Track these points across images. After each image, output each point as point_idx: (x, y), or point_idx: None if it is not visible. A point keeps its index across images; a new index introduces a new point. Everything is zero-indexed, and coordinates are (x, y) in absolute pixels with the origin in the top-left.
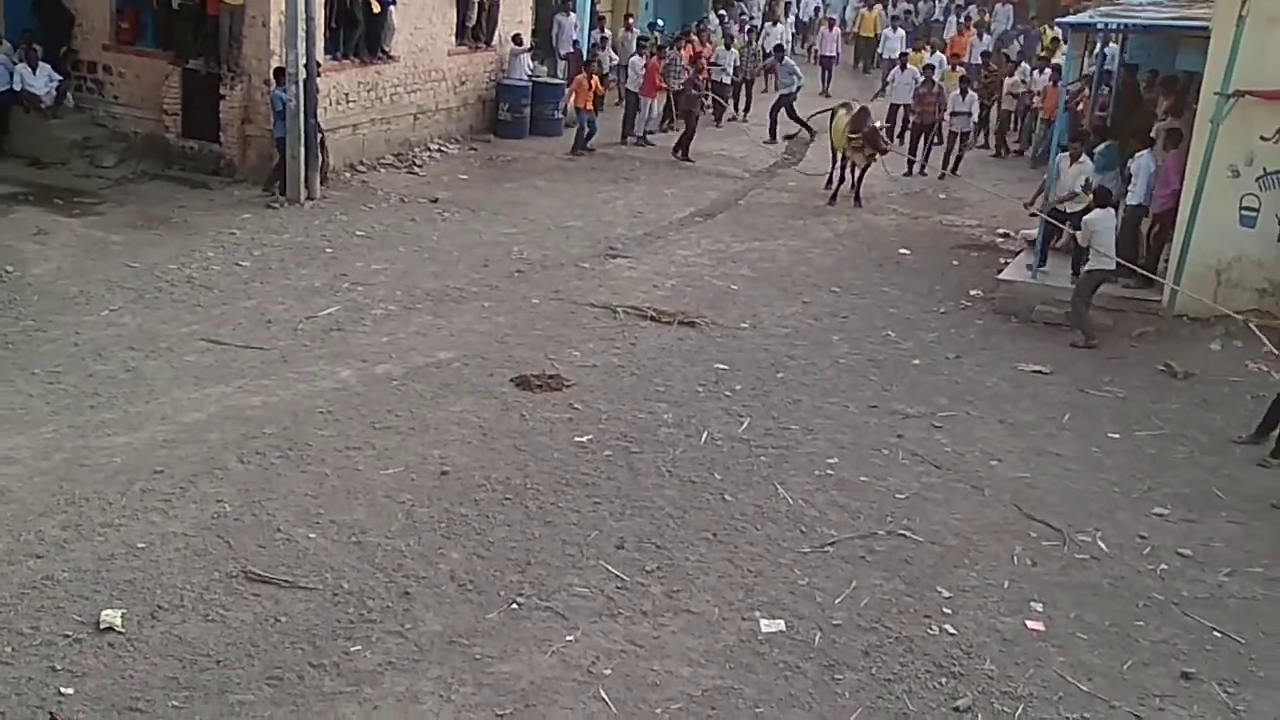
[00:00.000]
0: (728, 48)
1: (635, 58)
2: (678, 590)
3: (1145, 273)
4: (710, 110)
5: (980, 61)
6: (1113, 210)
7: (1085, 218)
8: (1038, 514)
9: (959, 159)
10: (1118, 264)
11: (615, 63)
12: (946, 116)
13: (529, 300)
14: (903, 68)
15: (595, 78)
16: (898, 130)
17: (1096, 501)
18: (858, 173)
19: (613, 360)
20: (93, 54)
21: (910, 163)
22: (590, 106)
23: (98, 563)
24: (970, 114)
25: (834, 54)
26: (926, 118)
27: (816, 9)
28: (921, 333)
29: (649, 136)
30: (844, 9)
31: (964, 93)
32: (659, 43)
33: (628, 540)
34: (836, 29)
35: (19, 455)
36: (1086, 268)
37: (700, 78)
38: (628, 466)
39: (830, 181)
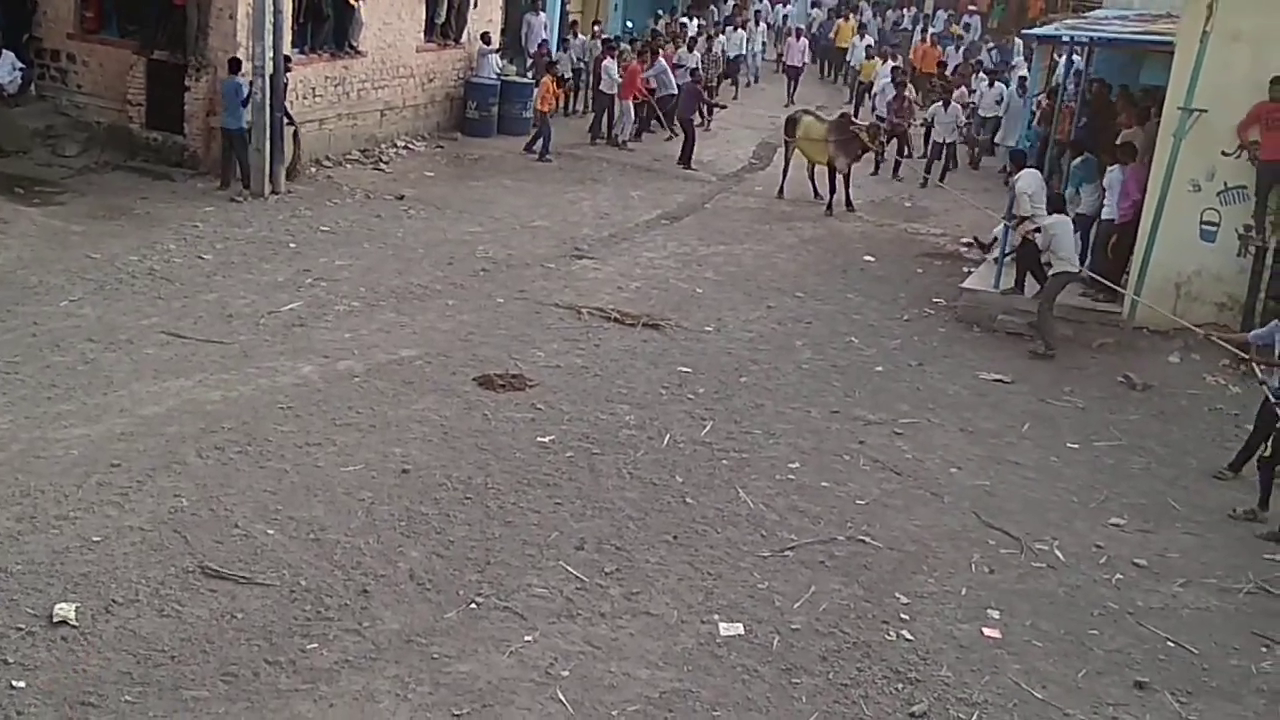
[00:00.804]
0: (690, 50)
1: (608, 61)
2: (637, 592)
3: (1110, 284)
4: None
5: (949, 73)
6: (1068, 217)
7: (1044, 223)
8: (996, 522)
9: (945, 170)
10: (1086, 274)
11: (575, 66)
12: (917, 125)
13: (493, 299)
14: (945, 106)
15: (555, 80)
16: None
17: (1055, 510)
18: (839, 176)
19: (576, 361)
20: (56, 42)
21: (878, 164)
22: (548, 109)
23: (52, 555)
24: (955, 124)
25: (800, 64)
26: (897, 126)
27: (785, 17)
28: (884, 339)
29: (626, 142)
30: (809, 20)
31: (946, 104)
32: (638, 46)
33: (588, 541)
34: (804, 39)
35: None
36: (1051, 272)
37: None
38: (589, 468)
39: (783, 190)
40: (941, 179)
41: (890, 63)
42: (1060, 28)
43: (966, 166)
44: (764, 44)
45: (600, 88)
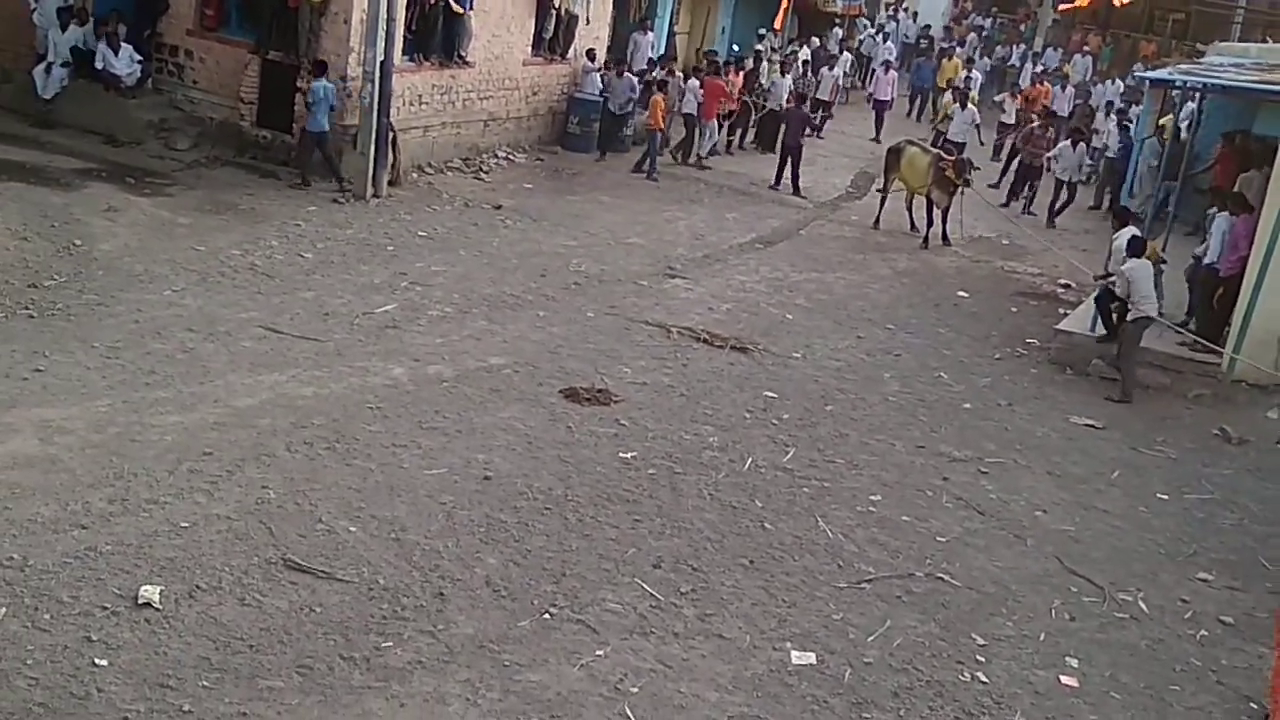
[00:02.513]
0: (782, 75)
1: (691, 80)
2: (711, 614)
3: (1205, 342)
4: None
5: (1067, 113)
6: (1148, 261)
7: (1121, 267)
8: (1080, 569)
9: (1062, 207)
10: (1179, 321)
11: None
12: (1051, 164)
13: (584, 313)
14: (963, 106)
15: (665, 98)
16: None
17: (1140, 561)
18: (939, 211)
19: (663, 379)
20: (176, 38)
21: (1010, 196)
22: (661, 126)
23: (141, 538)
24: (1080, 164)
25: (888, 99)
26: (1034, 159)
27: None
28: (974, 377)
29: (704, 159)
30: (897, 54)
31: (1075, 144)
32: (718, 62)
33: (665, 560)
34: (893, 73)
35: (73, 426)
36: (1130, 317)
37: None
38: (670, 486)
39: (879, 221)
40: (1051, 220)
41: (970, 106)
42: (1174, 72)
43: (1085, 208)
44: (848, 74)
45: (684, 109)
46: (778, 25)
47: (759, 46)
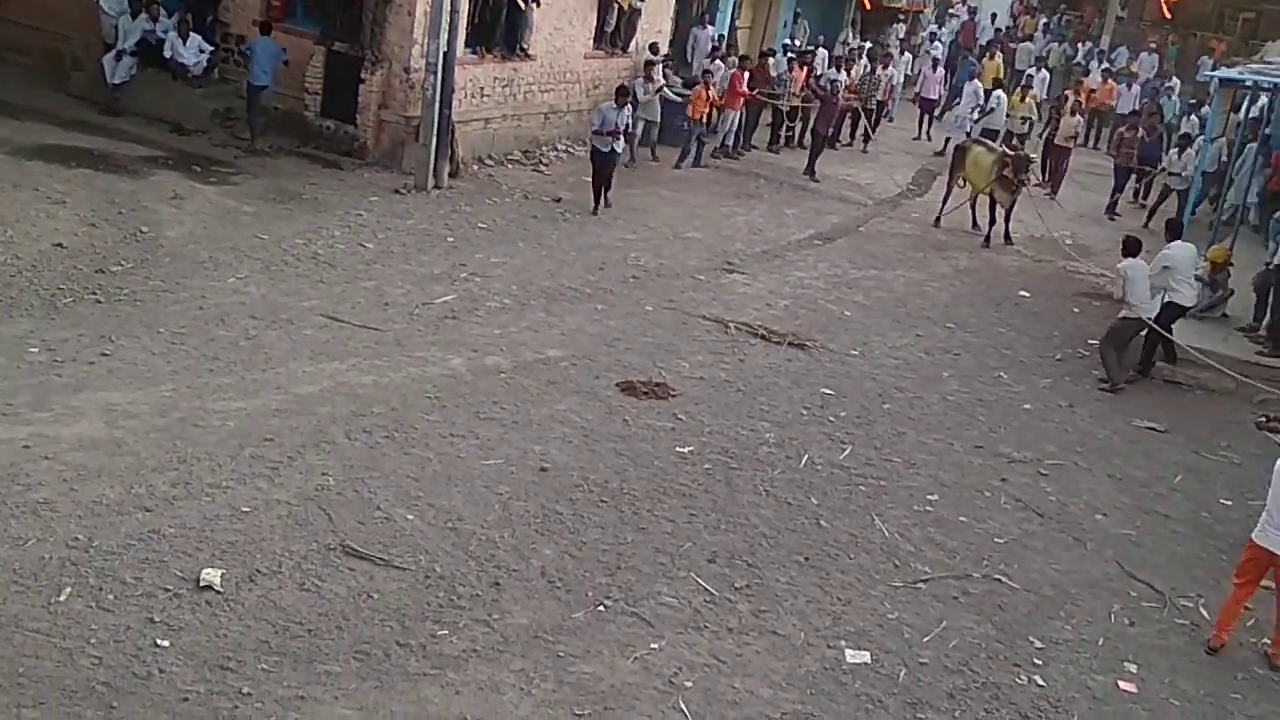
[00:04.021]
0: (839, 69)
1: (723, 70)
2: (765, 610)
3: (1228, 371)
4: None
5: (1129, 110)
6: (1143, 262)
7: (1118, 265)
8: (1140, 573)
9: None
10: (1243, 326)
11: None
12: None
13: (642, 307)
14: (1022, 99)
15: (712, 90)
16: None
17: (1202, 567)
18: (1002, 211)
19: (720, 374)
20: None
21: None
22: (704, 119)
23: (203, 522)
24: (1184, 174)
25: (936, 97)
26: (1126, 161)
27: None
28: (1035, 377)
29: (739, 149)
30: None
31: (1181, 149)
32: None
33: (720, 555)
34: (941, 70)
35: (137, 410)
36: (1120, 314)
37: (837, 100)
38: (726, 481)
39: (940, 219)
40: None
41: (1029, 100)
42: (1244, 71)
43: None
44: (905, 75)
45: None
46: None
47: (855, 44)
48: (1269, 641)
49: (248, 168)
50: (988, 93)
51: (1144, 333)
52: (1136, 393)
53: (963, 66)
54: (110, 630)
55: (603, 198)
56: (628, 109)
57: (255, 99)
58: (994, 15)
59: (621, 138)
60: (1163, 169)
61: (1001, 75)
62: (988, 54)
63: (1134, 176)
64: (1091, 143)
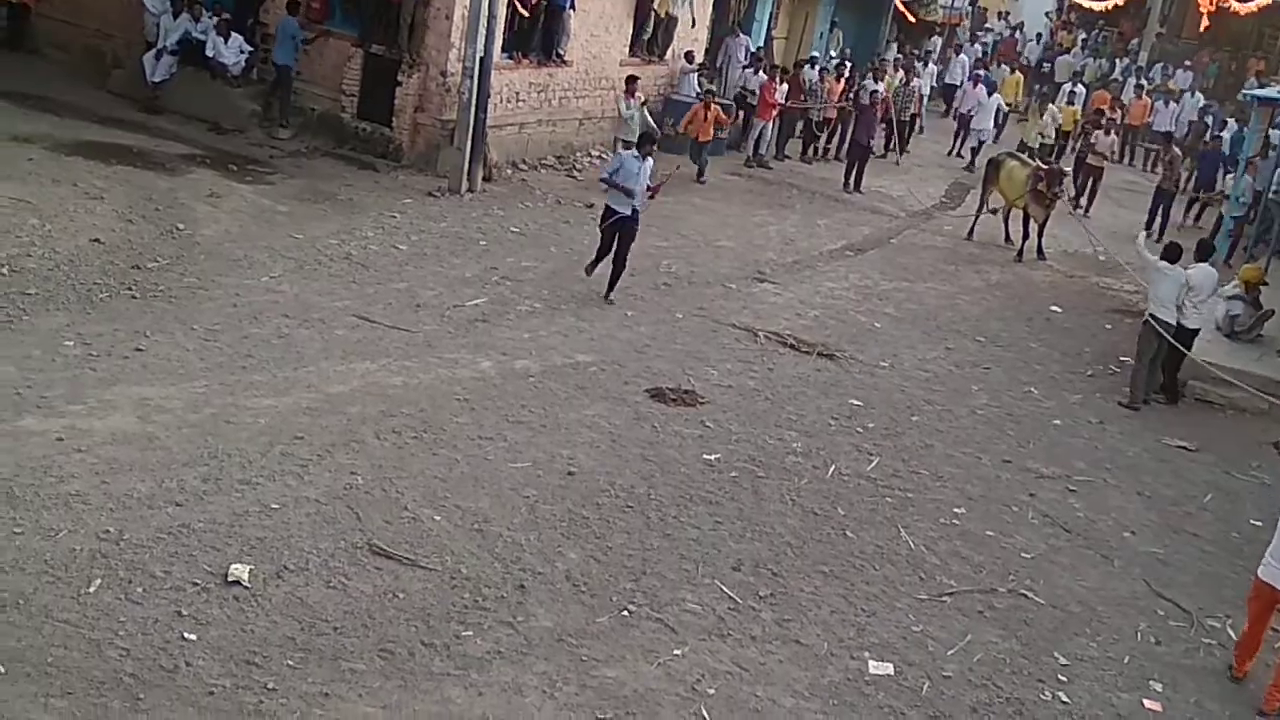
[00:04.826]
0: (876, 80)
1: (759, 75)
2: (789, 620)
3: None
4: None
5: (1167, 129)
6: (1181, 268)
7: (1155, 260)
8: (1168, 592)
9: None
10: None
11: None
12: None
13: (672, 314)
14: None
15: (715, 108)
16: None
17: (1230, 588)
18: (1036, 225)
19: (749, 383)
20: None
21: (1149, 224)
22: (706, 137)
23: (232, 517)
24: (1243, 199)
25: (972, 112)
26: (1167, 183)
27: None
28: (1065, 393)
29: (764, 159)
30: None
31: (1241, 175)
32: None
33: (745, 563)
34: (982, 86)
35: (170, 405)
36: (1148, 314)
37: (876, 110)
38: (752, 490)
39: (973, 232)
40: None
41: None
42: None
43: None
44: (931, 87)
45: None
46: (909, 16)
47: (889, 55)
48: None
49: (284, 167)
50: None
51: (1161, 359)
52: (1167, 411)
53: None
54: (138, 623)
55: (610, 277)
56: (650, 162)
57: (282, 78)
58: (1039, 35)
59: (639, 196)
60: (1221, 194)
61: (1020, 91)
62: (1009, 68)
63: (1185, 201)
64: (1127, 159)
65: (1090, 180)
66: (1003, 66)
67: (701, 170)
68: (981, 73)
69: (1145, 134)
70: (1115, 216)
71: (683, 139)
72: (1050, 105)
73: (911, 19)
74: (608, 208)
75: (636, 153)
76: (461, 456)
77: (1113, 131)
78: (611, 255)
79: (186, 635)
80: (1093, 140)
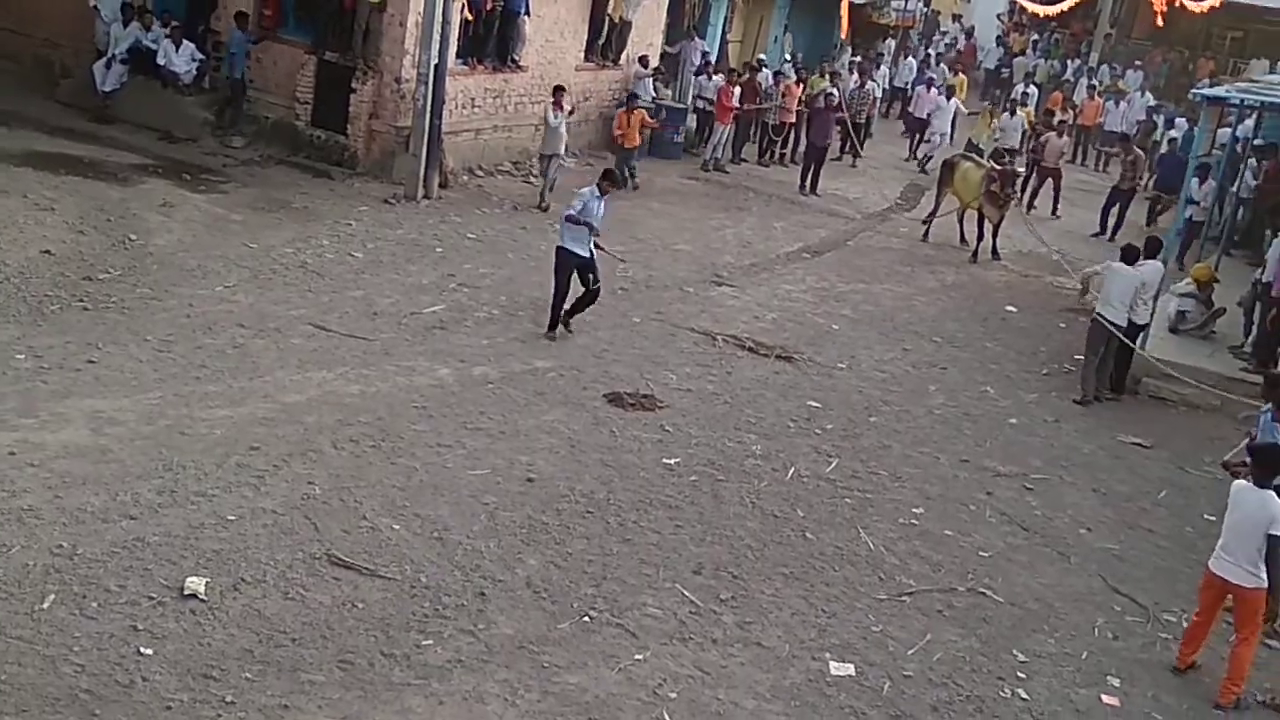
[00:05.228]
0: (830, 83)
1: (716, 78)
2: (750, 622)
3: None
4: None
5: (1119, 128)
6: (1130, 268)
7: (1105, 264)
8: (1124, 588)
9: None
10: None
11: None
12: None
13: (630, 319)
14: (1012, 114)
15: (639, 113)
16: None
17: (1185, 582)
18: (990, 226)
19: (707, 387)
20: None
21: (1102, 224)
22: (633, 144)
23: (188, 530)
24: (1204, 204)
25: (926, 116)
26: (1126, 184)
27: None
28: (1021, 392)
29: (722, 164)
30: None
31: (1201, 179)
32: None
33: (705, 566)
34: (934, 90)
35: (124, 418)
36: (1097, 312)
37: (830, 113)
38: (712, 493)
39: (928, 234)
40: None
41: (1020, 113)
42: (1232, 90)
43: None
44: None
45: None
46: (844, 35)
47: (844, 58)
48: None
49: (237, 176)
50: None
51: (1111, 355)
52: (1121, 408)
53: (917, 79)
54: (93, 638)
55: (564, 319)
56: (606, 201)
57: (234, 90)
58: (998, 39)
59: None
60: (1188, 199)
61: (965, 92)
62: (954, 69)
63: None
64: (1079, 159)
65: (1052, 182)
66: (942, 66)
67: (630, 177)
68: (934, 76)
69: (1097, 134)
70: (1069, 215)
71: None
72: (1004, 114)
73: (845, 26)
74: (564, 250)
75: (597, 190)
76: (420, 464)
77: (1064, 134)
78: (584, 290)
79: (143, 650)
80: (1043, 141)
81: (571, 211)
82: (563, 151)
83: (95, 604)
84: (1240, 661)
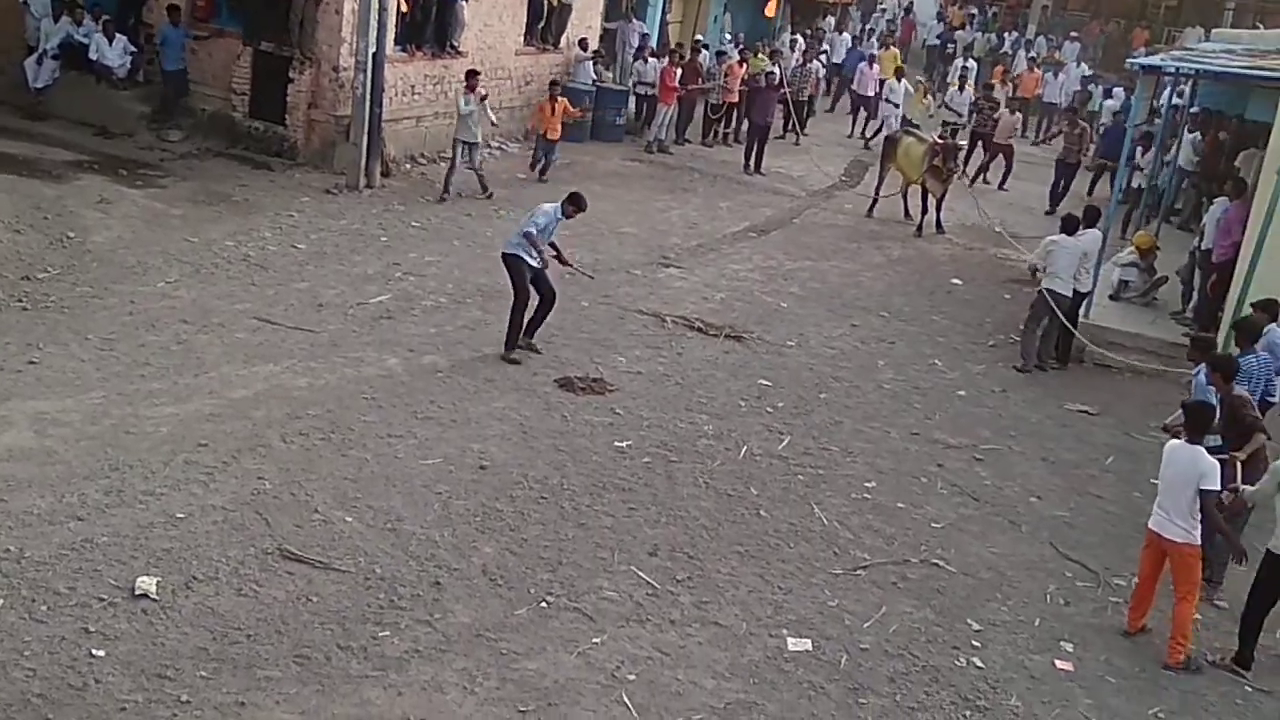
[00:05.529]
0: (771, 61)
1: (653, 61)
2: (707, 602)
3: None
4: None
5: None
6: (1071, 239)
7: (1046, 238)
8: (1074, 554)
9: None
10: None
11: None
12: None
13: (578, 303)
14: (961, 89)
15: (562, 103)
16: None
17: (1134, 546)
18: (934, 200)
19: (657, 368)
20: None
21: (1052, 196)
22: (555, 135)
23: (137, 530)
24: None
25: (872, 94)
26: (1070, 156)
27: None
28: (969, 364)
29: (665, 145)
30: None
31: (1145, 147)
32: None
33: (660, 548)
34: (876, 67)
35: (68, 419)
36: (1042, 285)
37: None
38: (665, 475)
39: (873, 209)
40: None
41: (968, 89)
42: (1166, 59)
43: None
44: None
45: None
46: (769, 12)
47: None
48: (1201, 617)
49: (175, 170)
50: (882, 82)
51: (1054, 324)
52: (1067, 377)
53: (850, 55)
54: (44, 642)
55: (526, 335)
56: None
57: (172, 82)
58: (939, 15)
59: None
60: (1136, 166)
61: (900, 65)
62: (884, 44)
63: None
64: (1021, 132)
65: (1004, 158)
66: (873, 41)
67: (545, 168)
68: (874, 53)
69: (1036, 106)
70: (1011, 188)
71: (578, 125)
72: (954, 89)
73: (775, 2)
74: (517, 259)
75: (560, 212)
76: (371, 456)
77: (1016, 110)
78: (540, 299)
79: (95, 652)
80: (996, 117)
81: (531, 230)
82: (480, 138)
83: (45, 607)
84: (1182, 620)
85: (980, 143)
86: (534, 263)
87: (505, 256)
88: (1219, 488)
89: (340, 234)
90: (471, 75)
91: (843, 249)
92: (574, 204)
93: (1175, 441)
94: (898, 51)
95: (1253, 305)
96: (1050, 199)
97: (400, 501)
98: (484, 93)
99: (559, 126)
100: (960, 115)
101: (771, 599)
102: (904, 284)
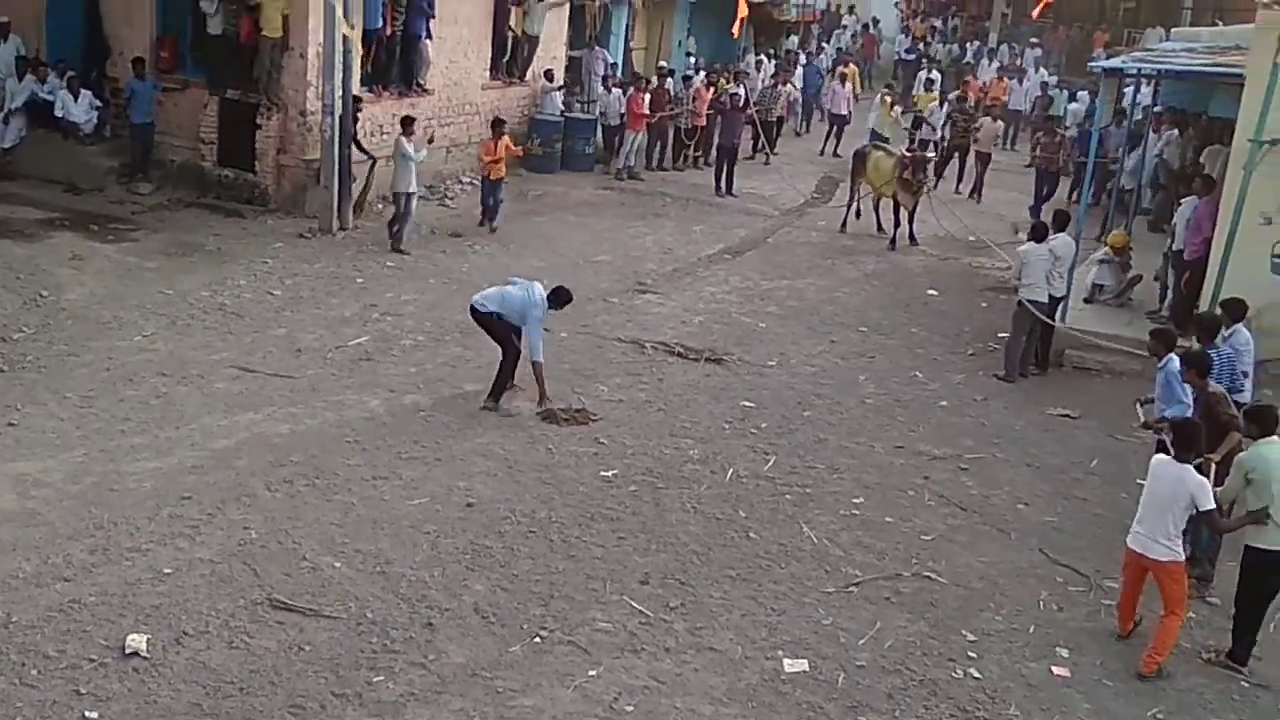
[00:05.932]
0: (737, 84)
1: (615, 91)
2: (701, 628)
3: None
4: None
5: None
6: (1041, 245)
7: (1019, 249)
8: (1064, 559)
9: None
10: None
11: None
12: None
13: (557, 334)
14: (941, 104)
15: (505, 141)
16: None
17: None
18: (906, 212)
19: (640, 395)
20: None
21: (1035, 206)
22: (499, 175)
23: (124, 587)
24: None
25: (846, 112)
26: (1048, 165)
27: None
28: (949, 374)
29: (636, 171)
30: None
31: (1131, 148)
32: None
33: (652, 576)
34: (849, 84)
35: (49, 478)
36: (1021, 297)
37: (746, 113)
38: (653, 502)
39: (846, 225)
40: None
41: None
42: (1128, 60)
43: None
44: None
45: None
46: (735, 33)
47: (750, 59)
48: (1194, 616)
49: (147, 223)
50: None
51: (1035, 332)
52: (1047, 381)
53: (808, 71)
54: (36, 706)
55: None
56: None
57: (140, 136)
58: (905, 29)
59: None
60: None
61: (858, 82)
62: (842, 62)
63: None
64: (1001, 142)
65: (978, 167)
66: (822, 59)
67: (493, 214)
68: (844, 70)
69: (1003, 113)
70: (986, 196)
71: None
72: (934, 105)
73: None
74: (498, 316)
75: (549, 304)
76: (357, 499)
77: (997, 118)
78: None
79: (88, 714)
80: (977, 126)
81: (542, 322)
82: (414, 187)
83: (35, 671)
84: (1167, 633)
85: (957, 154)
86: (517, 322)
87: (492, 315)
88: (1215, 504)
89: (315, 278)
90: (407, 122)
91: (818, 266)
92: (558, 299)
93: (1163, 457)
94: (856, 69)
95: (1220, 305)
96: (1032, 210)
97: (388, 544)
98: (430, 134)
99: (503, 168)
100: (935, 130)
101: (765, 621)
102: (880, 298)
